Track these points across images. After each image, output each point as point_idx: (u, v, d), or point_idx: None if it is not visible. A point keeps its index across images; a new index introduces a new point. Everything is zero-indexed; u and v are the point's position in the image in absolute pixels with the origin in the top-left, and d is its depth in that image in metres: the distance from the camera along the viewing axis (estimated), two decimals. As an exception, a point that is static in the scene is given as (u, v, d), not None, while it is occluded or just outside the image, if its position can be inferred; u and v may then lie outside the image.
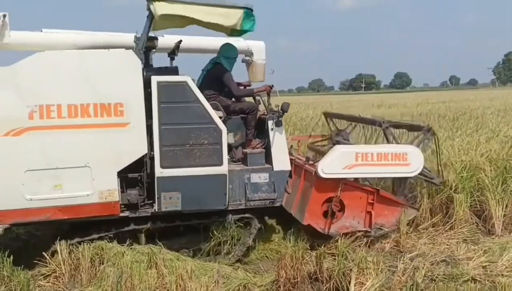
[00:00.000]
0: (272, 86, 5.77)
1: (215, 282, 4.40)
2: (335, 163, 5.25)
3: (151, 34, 5.30)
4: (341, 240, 4.91)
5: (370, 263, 4.52)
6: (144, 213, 5.03)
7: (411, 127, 6.06)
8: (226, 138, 5.08)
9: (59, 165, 4.61)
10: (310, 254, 4.76)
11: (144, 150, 4.83)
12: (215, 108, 5.22)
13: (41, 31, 5.79)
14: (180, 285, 4.33)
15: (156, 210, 4.96)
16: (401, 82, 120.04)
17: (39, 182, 4.58)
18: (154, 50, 5.59)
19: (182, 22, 5.26)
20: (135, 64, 4.75)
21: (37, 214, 4.64)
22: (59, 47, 5.30)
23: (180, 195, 4.93)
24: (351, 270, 4.43)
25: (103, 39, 5.79)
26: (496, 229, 5.95)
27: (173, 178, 4.90)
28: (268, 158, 5.40)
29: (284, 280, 4.61)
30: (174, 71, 5.40)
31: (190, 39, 6.16)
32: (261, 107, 5.75)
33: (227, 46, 5.83)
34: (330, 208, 5.33)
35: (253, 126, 5.62)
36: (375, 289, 4.33)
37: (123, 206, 4.94)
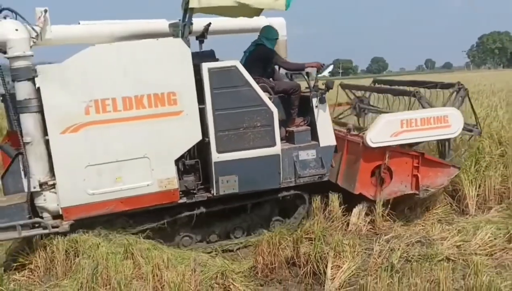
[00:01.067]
0: (323, 64, 5.69)
1: (192, 270, 4.38)
2: (383, 132, 5.47)
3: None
4: (317, 224, 4.92)
5: (347, 246, 4.57)
6: (200, 198, 5.16)
7: (444, 86, 6.35)
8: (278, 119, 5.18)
9: (118, 158, 4.69)
10: (287, 239, 4.76)
11: (198, 136, 4.92)
12: (264, 90, 5.25)
13: (79, 23, 5.82)
14: (157, 275, 4.30)
15: (214, 194, 5.08)
16: (378, 67, 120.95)
17: (99, 176, 4.66)
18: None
19: (225, 9, 5.29)
20: (185, 52, 4.78)
21: (100, 207, 4.72)
22: (98, 39, 5.39)
23: (237, 178, 5.07)
24: (327, 253, 4.46)
25: (139, 27, 5.89)
26: (469, 209, 6.03)
27: (230, 161, 5.02)
28: (313, 135, 5.49)
29: (262, 266, 4.63)
30: (211, 55, 5.47)
31: (218, 21, 6.15)
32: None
33: (268, 28, 5.90)
34: (379, 175, 5.59)
35: (297, 105, 5.65)
36: (352, 271, 4.38)
37: (180, 193, 5.03)
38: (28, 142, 4.50)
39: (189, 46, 4.84)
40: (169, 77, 4.74)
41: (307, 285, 4.43)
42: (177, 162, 4.93)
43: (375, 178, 5.63)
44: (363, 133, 5.59)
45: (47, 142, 4.57)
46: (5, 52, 4.47)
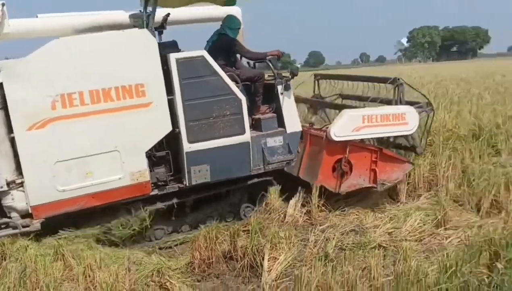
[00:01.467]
0: (283, 52, 5.93)
1: (126, 269, 4.26)
2: (346, 126, 5.64)
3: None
4: (254, 217, 4.94)
5: (283, 238, 4.61)
6: (172, 189, 5.14)
7: (383, 80, 6.66)
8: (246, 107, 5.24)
9: (88, 152, 4.59)
10: (224, 233, 4.74)
11: (168, 127, 4.89)
12: (232, 79, 5.30)
13: (37, 17, 5.66)
14: (89, 276, 4.15)
15: (187, 184, 5.09)
16: (315, 61, 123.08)
17: (69, 171, 4.55)
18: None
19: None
20: (151, 43, 4.73)
21: (71, 204, 4.61)
22: (57, 32, 5.29)
23: (209, 167, 5.10)
24: (264, 246, 4.49)
25: (98, 19, 5.77)
26: (401, 197, 6.23)
27: (201, 151, 5.04)
28: (279, 122, 5.60)
29: (199, 261, 4.60)
30: (174, 45, 5.45)
31: (177, 11, 6.06)
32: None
33: (231, 17, 5.92)
34: (340, 168, 5.75)
35: (261, 93, 5.71)
36: (288, 262, 4.43)
37: (152, 185, 4.99)
38: None
39: (154, 37, 4.83)
40: (136, 69, 4.68)
41: (245, 278, 4.44)
42: (147, 153, 4.91)
43: (336, 171, 5.79)
44: (326, 128, 5.77)
45: (12, 140, 4.40)
46: None
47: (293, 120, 5.63)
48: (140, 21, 5.29)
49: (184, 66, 4.88)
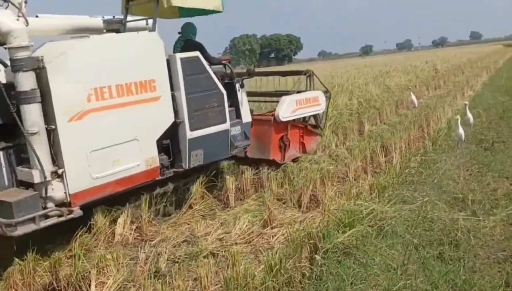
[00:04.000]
0: (231, 58, 7.53)
1: None
2: (288, 109, 7.22)
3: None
4: (76, 241, 4.59)
5: (110, 260, 4.36)
6: (169, 174, 5.73)
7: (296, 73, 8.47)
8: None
9: (115, 142, 4.96)
10: (43, 264, 4.31)
11: (172, 118, 5.55)
12: (216, 76, 6.11)
13: (37, 16, 5.87)
14: None
15: (186, 168, 5.79)
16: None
17: (102, 160, 4.85)
18: None
19: (181, 11, 6.74)
20: (160, 43, 5.38)
21: (102, 190, 4.92)
22: (55, 32, 6.08)
23: (202, 151, 5.86)
24: (90, 271, 4.19)
25: (82, 23, 6.38)
26: (230, 201, 6.42)
27: (198, 138, 5.80)
28: (237, 114, 6.62)
29: (16, 300, 4.10)
30: None
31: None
32: None
33: (191, 25, 6.76)
34: (283, 143, 7.42)
35: None
36: (118, 285, 4.19)
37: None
38: (34, 133, 4.41)
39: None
40: (150, 66, 5.27)
41: (70, 309, 4.09)
42: (157, 142, 5.42)
43: (280, 146, 7.39)
44: (273, 112, 7.31)
45: (49, 132, 4.52)
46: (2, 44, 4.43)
47: (246, 112, 6.74)
48: (115, 26, 6.18)
49: (186, 65, 5.65)
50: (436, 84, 20.13)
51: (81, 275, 4.18)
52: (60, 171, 4.56)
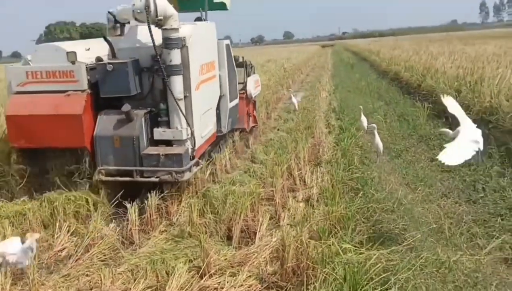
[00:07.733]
0: None
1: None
2: (249, 87, 8.65)
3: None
4: None
5: None
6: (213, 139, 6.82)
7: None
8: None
9: (207, 108, 6.33)
10: None
11: (219, 93, 6.93)
12: None
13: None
14: None
15: (225, 131, 7.20)
16: None
17: (203, 122, 6.10)
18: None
19: (181, 5, 7.31)
20: (215, 32, 6.85)
21: (202, 148, 6.18)
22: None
23: (231, 120, 7.35)
24: None
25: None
26: (134, 237, 4.97)
27: (232, 107, 7.34)
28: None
29: None
30: None
31: None
32: None
33: None
34: (249, 115, 9.01)
35: None
36: None
37: None
38: (181, 99, 5.47)
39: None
40: (214, 50, 6.72)
41: None
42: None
43: (248, 118, 8.90)
44: (244, 91, 8.45)
45: (182, 99, 5.50)
46: (158, 25, 5.30)
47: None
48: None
49: (228, 49, 7.20)
50: (287, 84, 19.30)
51: None
52: (191, 131, 5.60)
